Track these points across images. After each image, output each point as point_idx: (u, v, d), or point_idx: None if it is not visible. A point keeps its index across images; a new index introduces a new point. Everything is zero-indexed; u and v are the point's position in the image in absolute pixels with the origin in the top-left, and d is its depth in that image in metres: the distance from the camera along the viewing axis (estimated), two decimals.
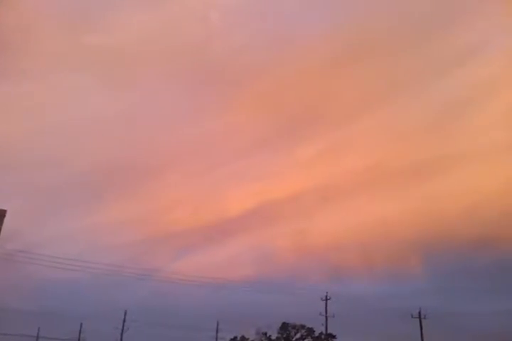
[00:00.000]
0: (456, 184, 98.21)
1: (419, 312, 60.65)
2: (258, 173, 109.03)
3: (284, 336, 70.27)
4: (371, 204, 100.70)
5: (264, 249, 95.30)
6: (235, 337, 72.39)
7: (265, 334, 70.55)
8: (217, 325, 70.49)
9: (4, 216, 37.18)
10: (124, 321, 66.86)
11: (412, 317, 60.55)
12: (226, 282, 68.42)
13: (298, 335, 70.83)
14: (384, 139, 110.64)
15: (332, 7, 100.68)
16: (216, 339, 70.24)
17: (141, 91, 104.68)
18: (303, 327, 69.84)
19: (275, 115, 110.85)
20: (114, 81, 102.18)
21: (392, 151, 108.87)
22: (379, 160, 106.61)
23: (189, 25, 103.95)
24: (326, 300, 60.62)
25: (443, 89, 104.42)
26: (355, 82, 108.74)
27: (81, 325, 72.80)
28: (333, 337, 67.53)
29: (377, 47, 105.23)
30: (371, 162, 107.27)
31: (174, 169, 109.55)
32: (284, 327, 70.32)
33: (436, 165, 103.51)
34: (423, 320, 61.27)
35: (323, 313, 60.97)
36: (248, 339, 72.39)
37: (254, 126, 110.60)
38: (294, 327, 70.04)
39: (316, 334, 69.17)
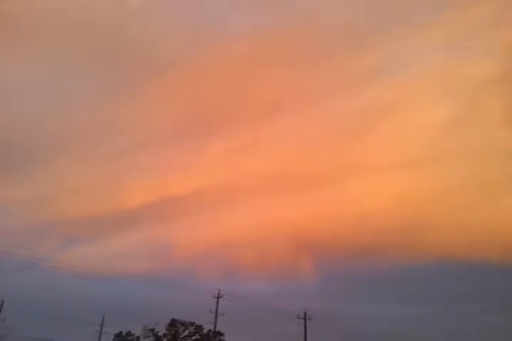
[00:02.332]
0: (351, 194, 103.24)
1: (305, 313, 62.82)
2: (163, 166, 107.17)
3: (172, 333, 69.47)
4: (272, 206, 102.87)
5: (160, 244, 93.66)
6: (121, 332, 70.45)
7: (152, 330, 69.33)
8: (103, 319, 67.98)
9: None
10: (1, 311, 62.29)
11: (298, 317, 62.53)
12: (117, 275, 66.20)
13: (186, 332, 70.38)
14: (292, 144, 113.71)
15: (252, 8, 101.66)
16: (100, 333, 67.68)
17: (48, 64, 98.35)
18: (192, 324, 69.49)
19: (188, 109, 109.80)
20: (19, 50, 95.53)
21: (298, 157, 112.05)
22: (285, 164, 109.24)
23: (104, 2, 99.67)
24: (218, 297, 60.77)
25: (350, 103, 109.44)
26: (269, 86, 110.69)
27: None
28: (221, 334, 68.07)
29: (292, 55, 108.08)
30: (278, 165, 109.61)
31: (74, 152, 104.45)
32: (173, 323, 69.54)
33: (336, 174, 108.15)
34: (308, 321, 63.46)
35: (214, 311, 61.04)
36: (134, 335, 70.76)
37: (165, 117, 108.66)
38: (182, 324, 69.47)
39: (205, 331, 69.24)
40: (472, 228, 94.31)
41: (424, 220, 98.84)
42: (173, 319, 69.40)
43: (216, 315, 61.13)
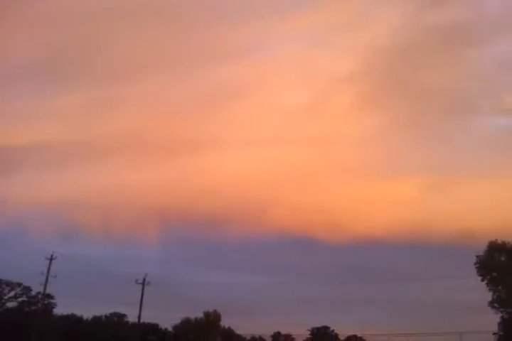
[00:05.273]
0: (206, 165, 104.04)
1: (144, 279, 61.88)
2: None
3: None
4: (123, 169, 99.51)
5: None
6: None
7: None
8: None
9: None
10: None
11: (136, 282, 61.43)
12: None
13: (11, 294, 65.65)
14: (153, 109, 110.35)
15: None
16: None
17: None
18: (19, 285, 64.93)
19: (44, 51, 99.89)
20: None
21: (158, 122, 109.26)
22: (142, 128, 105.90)
23: None
24: (51, 259, 57.13)
25: (214, 76, 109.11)
26: (140, 44, 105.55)
27: None
28: (51, 297, 64.93)
29: (170, 16, 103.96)
30: (134, 128, 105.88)
31: None
32: None
33: (194, 144, 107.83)
34: (147, 286, 62.69)
35: (45, 273, 57.37)
36: None
37: (12, 56, 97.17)
38: (8, 284, 64.53)
39: (34, 293, 65.29)
40: (307, 207, 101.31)
41: (269, 196, 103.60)
42: None
43: (47, 277, 57.54)
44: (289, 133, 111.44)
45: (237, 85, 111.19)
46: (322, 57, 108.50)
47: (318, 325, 78.85)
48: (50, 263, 57.14)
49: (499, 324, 50.15)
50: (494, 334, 51.07)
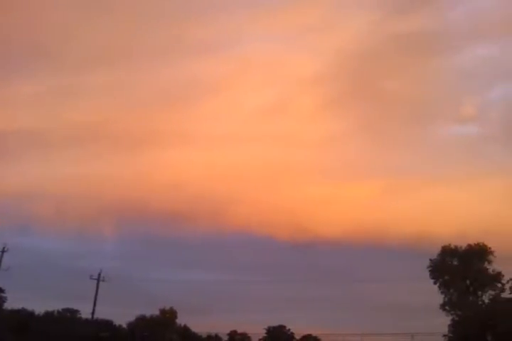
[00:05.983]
0: (169, 160, 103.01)
1: (99, 274, 60.75)
2: None
3: None
4: (84, 160, 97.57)
5: None
6: None
7: None
8: None
9: None
10: None
11: (90, 278, 60.25)
12: None
13: None
14: (115, 100, 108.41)
15: None
16: None
17: None
18: None
19: (12, 39, 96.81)
20: None
21: (121, 114, 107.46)
22: (106, 120, 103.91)
23: None
24: (3, 251, 55.54)
25: (183, 71, 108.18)
26: (104, 36, 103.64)
27: None
28: (2, 291, 63.14)
29: (140, 8, 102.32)
30: (97, 119, 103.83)
31: None
32: None
33: (158, 138, 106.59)
34: (102, 282, 61.56)
35: None
36: None
37: None
38: None
39: None
40: (269, 206, 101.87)
41: (231, 194, 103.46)
42: None
43: None
44: (254, 131, 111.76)
45: (205, 81, 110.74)
46: (291, 58, 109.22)
47: (275, 324, 79.05)
48: (1, 256, 55.63)
49: (449, 326, 51.32)
50: (444, 336, 52.18)
